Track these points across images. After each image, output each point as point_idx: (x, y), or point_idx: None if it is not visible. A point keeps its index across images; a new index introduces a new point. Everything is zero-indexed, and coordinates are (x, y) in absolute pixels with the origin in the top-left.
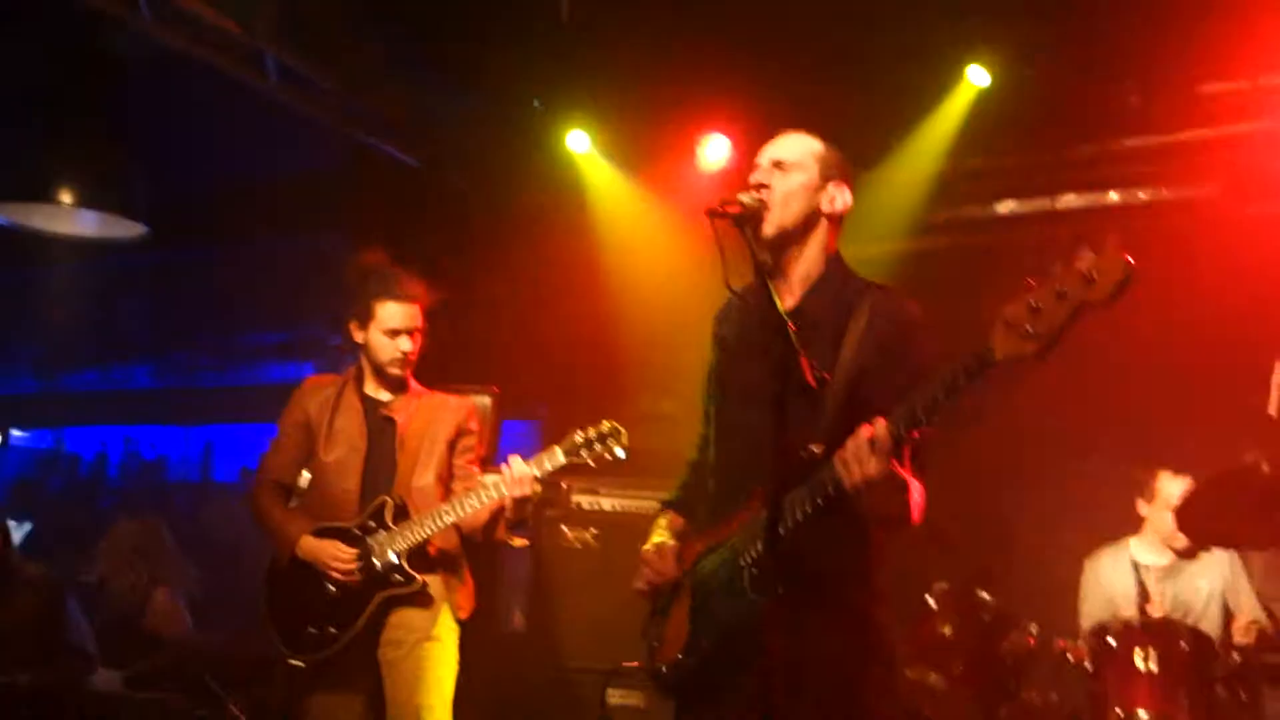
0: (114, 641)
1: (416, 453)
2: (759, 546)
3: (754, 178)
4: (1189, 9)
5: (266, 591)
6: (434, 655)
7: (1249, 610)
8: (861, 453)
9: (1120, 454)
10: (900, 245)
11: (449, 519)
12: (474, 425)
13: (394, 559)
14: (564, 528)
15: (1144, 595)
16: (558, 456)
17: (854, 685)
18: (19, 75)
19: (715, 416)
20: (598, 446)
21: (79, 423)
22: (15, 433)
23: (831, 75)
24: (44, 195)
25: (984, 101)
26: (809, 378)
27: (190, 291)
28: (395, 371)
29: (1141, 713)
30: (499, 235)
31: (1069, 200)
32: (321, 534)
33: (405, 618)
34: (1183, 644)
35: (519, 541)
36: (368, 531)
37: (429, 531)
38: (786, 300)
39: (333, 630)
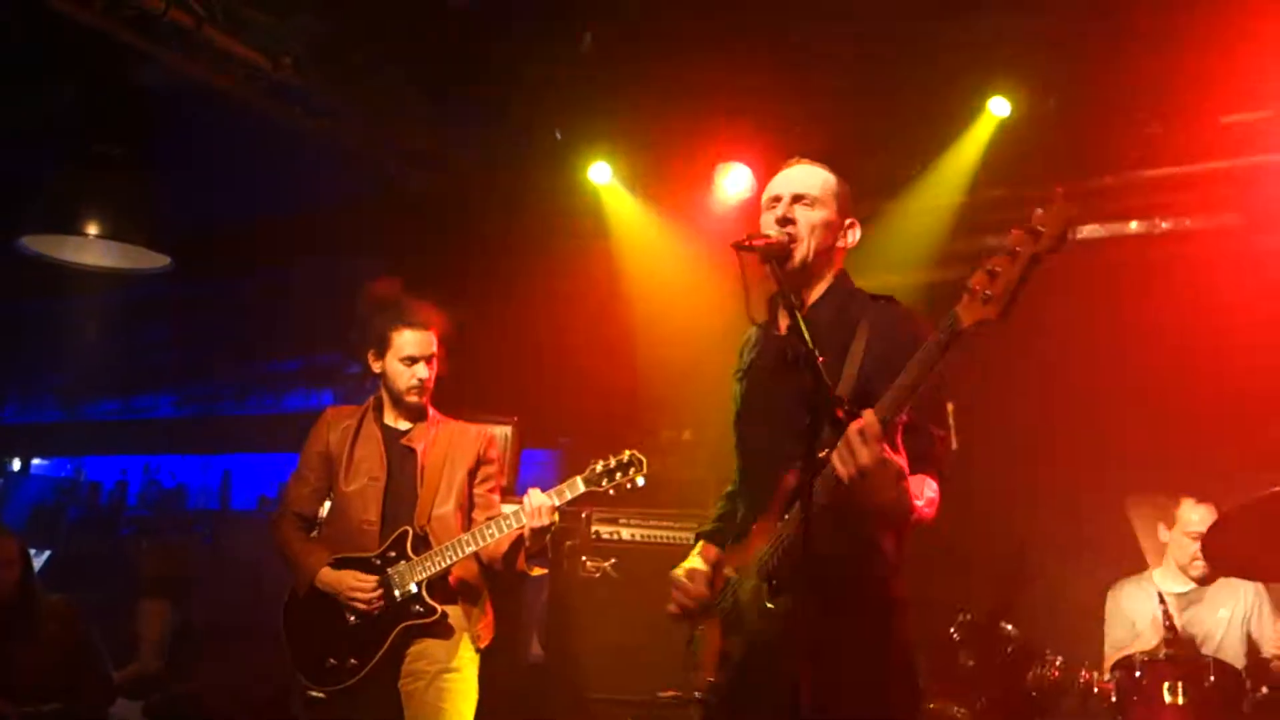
0: None
1: (437, 482)
2: (776, 559)
3: (779, 212)
4: (1209, 40)
5: (286, 622)
6: (454, 686)
7: (1273, 642)
8: (853, 443)
9: (1143, 484)
10: (922, 276)
11: (469, 549)
12: (494, 454)
13: (414, 589)
14: (584, 557)
15: (1170, 627)
16: (579, 486)
17: (876, 691)
18: (48, 109)
19: (740, 442)
20: (618, 476)
21: (99, 451)
22: (36, 461)
23: (853, 106)
24: (72, 228)
25: (1006, 132)
26: (839, 413)
27: (210, 322)
28: (413, 399)
29: None
30: (521, 265)
31: (1091, 230)
32: (341, 564)
33: (425, 648)
34: (1210, 676)
35: (538, 571)
36: (388, 562)
37: (449, 561)
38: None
39: (353, 661)
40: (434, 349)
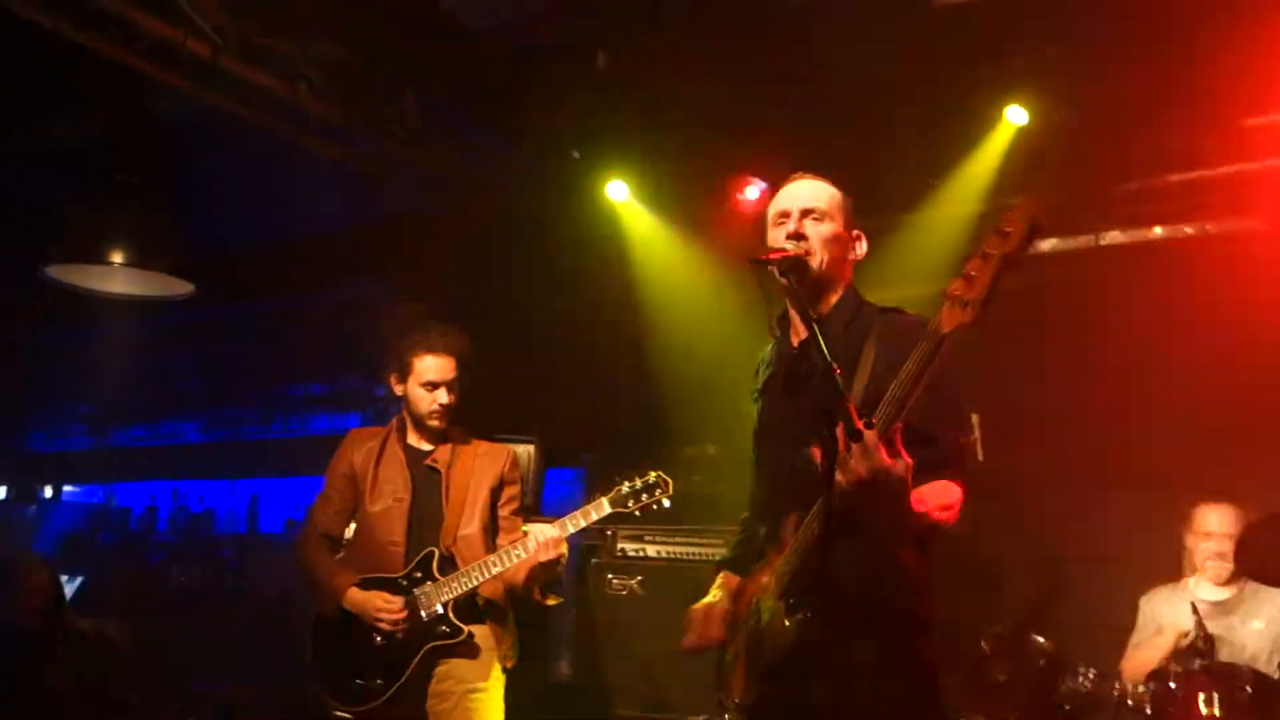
0: None
1: (461, 503)
2: (790, 576)
3: (790, 228)
4: (1228, 43)
5: (312, 643)
6: (481, 705)
7: None
8: (851, 454)
9: (1174, 489)
10: (942, 287)
11: (495, 570)
12: (516, 474)
13: (440, 610)
14: (610, 575)
15: (1205, 636)
16: (604, 507)
17: (897, 715)
18: (70, 140)
19: (758, 461)
20: (644, 497)
21: (129, 478)
22: (68, 488)
23: (869, 118)
24: (96, 256)
25: (1024, 140)
26: (857, 424)
27: (235, 347)
28: (434, 424)
29: None
30: (541, 284)
31: (1113, 237)
32: (368, 585)
33: (452, 668)
34: (1246, 688)
35: (553, 600)
36: (414, 583)
37: (475, 582)
38: (803, 333)
39: (379, 682)
40: (455, 374)
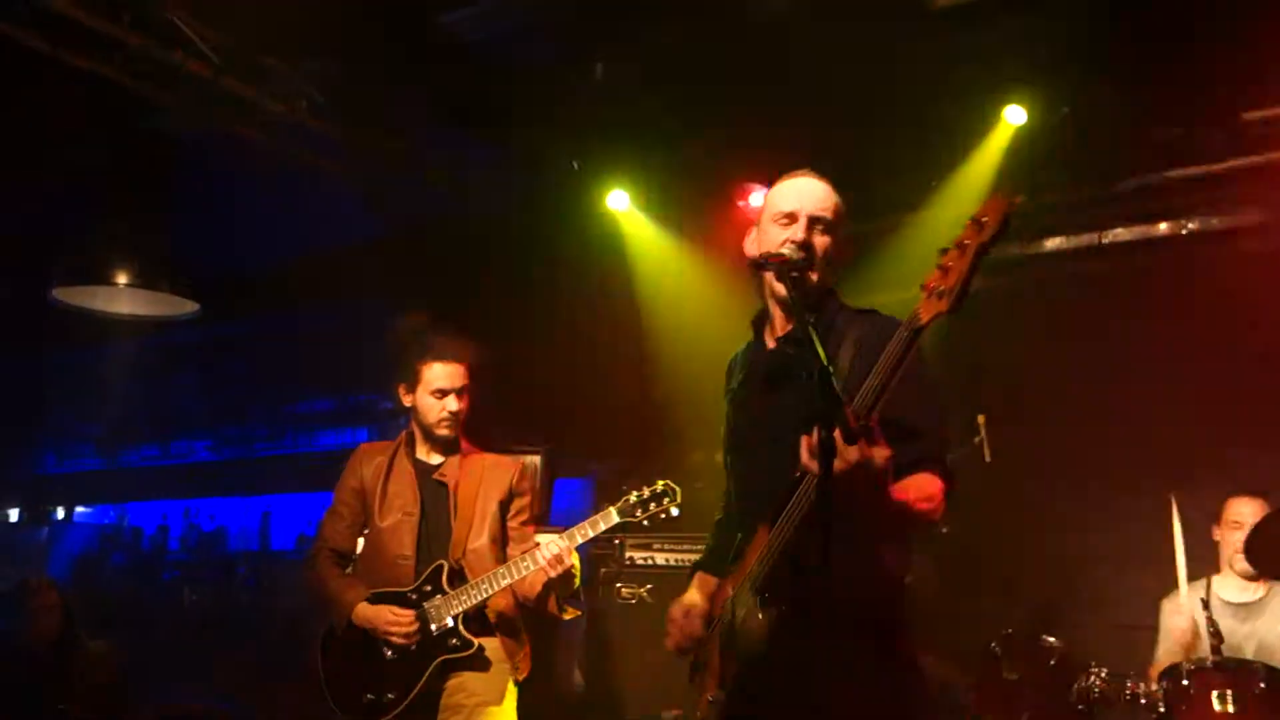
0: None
1: (470, 515)
2: (766, 572)
3: (798, 235)
4: (1227, 36)
5: (323, 658)
6: (493, 719)
7: None
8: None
9: (1189, 488)
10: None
11: (504, 581)
12: (525, 485)
13: (450, 623)
14: (619, 584)
15: (1217, 635)
16: (613, 517)
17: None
18: (72, 165)
19: (732, 464)
20: (652, 506)
21: (140, 498)
22: (79, 509)
23: (869, 122)
24: (101, 278)
25: (1023, 140)
26: (851, 423)
27: (241, 365)
28: (444, 432)
29: None
30: (544, 295)
31: (1117, 234)
32: (378, 600)
33: (463, 682)
34: (1260, 684)
35: (571, 613)
36: (424, 596)
37: (485, 595)
38: (779, 332)
39: (391, 696)
40: (464, 382)
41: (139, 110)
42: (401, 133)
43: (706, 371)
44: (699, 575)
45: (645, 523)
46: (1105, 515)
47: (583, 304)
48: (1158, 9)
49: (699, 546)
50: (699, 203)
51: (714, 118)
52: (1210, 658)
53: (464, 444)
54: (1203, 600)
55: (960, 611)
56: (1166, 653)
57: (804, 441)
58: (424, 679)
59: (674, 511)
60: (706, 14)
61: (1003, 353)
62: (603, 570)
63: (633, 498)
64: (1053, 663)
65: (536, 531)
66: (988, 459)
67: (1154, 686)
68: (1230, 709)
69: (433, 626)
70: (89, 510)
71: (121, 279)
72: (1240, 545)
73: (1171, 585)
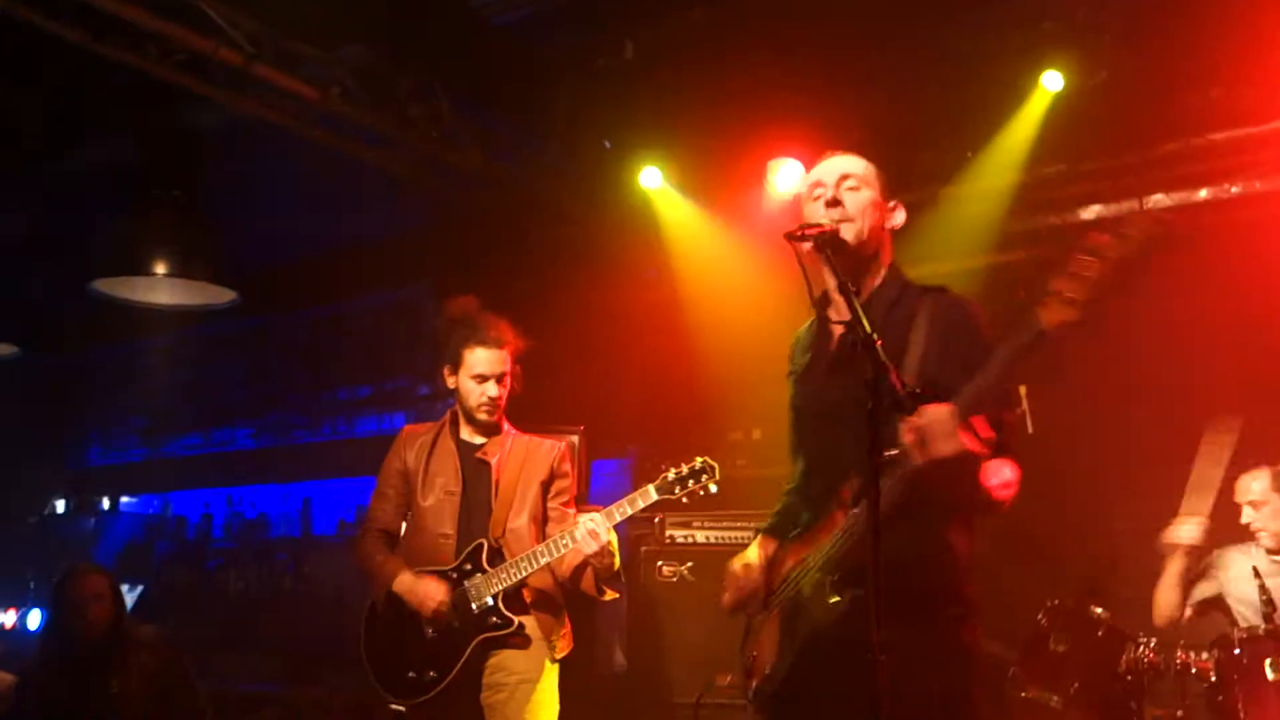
0: None
1: (511, 495)
2: (842, 553)
3: (827, 195)
4: None
5: (366, 637)
6: (536, 697)
7: None
8: (929, 433)
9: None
10: (982, 259)
11: (544, 559)
12: (567, 467)
13: (490, 601)
14: (659, 563)
15: (1269, 601)
16: (651, 494)
17: (940, 699)
18: (109, 155)
19: (802, 441)
20: (691, 483)
21: (184, 487)
22: (124, 499)
23: (905, 93)
24: (140, 268)
25: (1061, 107)
26: (899, 390)
27: (280, 353)
28: (484, 416)
29: None
30: (579, 276)
31: (1158, 200)
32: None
33: (505, 660)
34: None
35: (610, 595)
36: (464, 575)
37: (524, 573)
38: (845, 312)
39: (433, 674)
40: (506, 368)
41: (174, 100)
42: (433, 118)
43: (744, 349)
44: (763, 538)
45: (684, 500)
46: (1151, 484)
47: (618, 284)
48: None
49: (739, 525)
50: (732, 178)
51: (745, 94)
52: (1263, 625)
53: (507, 426)
54: (1255, 567)
55: (1005, 584)
56: (1200, 593)
57: (906, 426)
58: (464, 657)
59: (712, 488)
60: None
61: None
62: (643, 549)
63: (670, 475)
64: (1100, 634)
65: (577, 513)
66: (1029, 430)
67: (1190, 653)
68: None
69: (473, 605)
70: (134, 500)
71: (160, 269)
72: (1255, 520)
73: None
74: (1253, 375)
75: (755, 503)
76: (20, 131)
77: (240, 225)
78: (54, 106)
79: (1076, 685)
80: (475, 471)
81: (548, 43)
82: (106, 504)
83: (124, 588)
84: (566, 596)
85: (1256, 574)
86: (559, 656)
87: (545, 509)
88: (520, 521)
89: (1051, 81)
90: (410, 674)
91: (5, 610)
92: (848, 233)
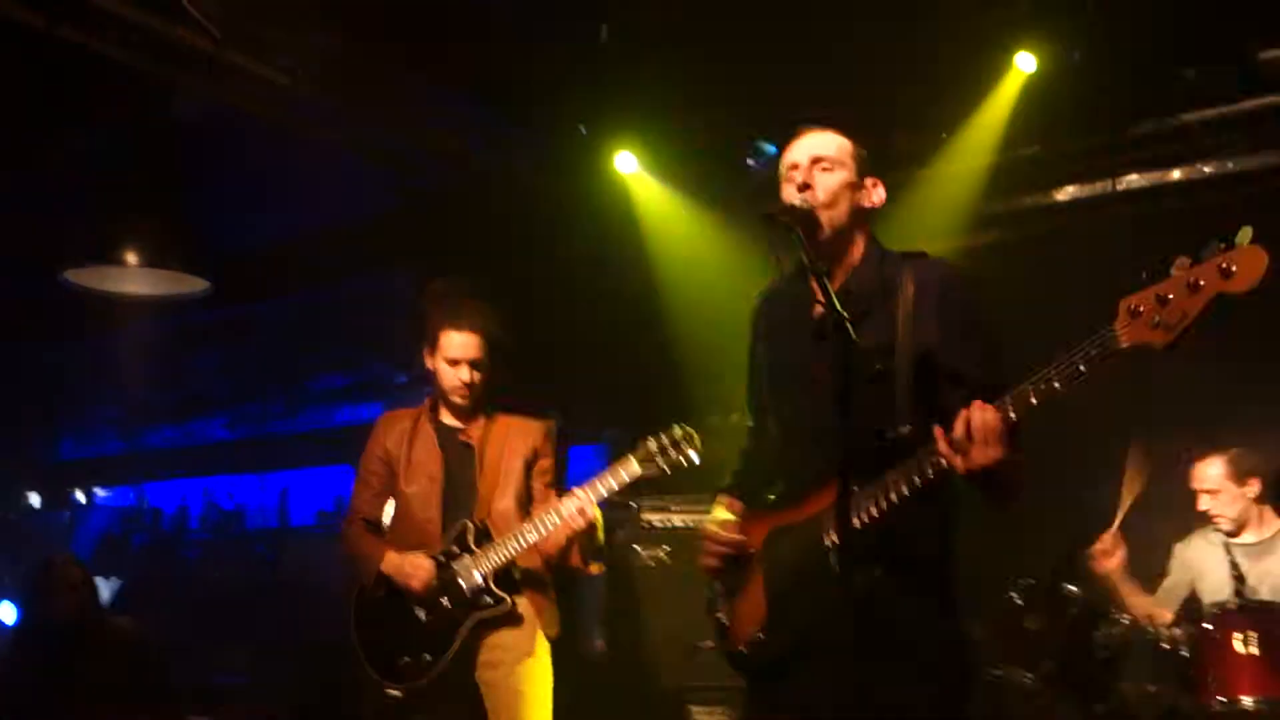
0: None
1: (496, 474)
2: (846, 528)
3: (797, 176)
4: None
5: (356, 623)
6: (533, 672)
7: None
8: (980, 437)
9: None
10: (958, 242)
11: (531, 538)
12: (549, 447)
13: (480, 580)
14: (636, 547)
15: (1239, 577)
16: (633, 466)
17: (938, 665)
18: (79, 143)
19: (775, 407)
20: (672, 453)
21: (159, 478)
22: (99, 492)
23: (877, 74)
24: (110, 258)
25: (1034, 88)
26: (868, 371)
27: (254, 342)
28: (458, 400)
29: (1245, 699)
30: (554, 261)
31: (1131, 180)
32: None
33: (501, 638)
34: None
35: (596, 568)
36: (452, 557)
37: (512, 552)
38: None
39: (428, 657)
40: (479, 353)
41: (143, 88)
42: (405, 100)
43: (719, 334)
44: (726, 498)
45: (668, 470)
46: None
47: (593, 269)
48: None
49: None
50: (707, 162)
51: (719, 77)
52: (1234, 600)
53: (488, 408)
54: (1226, 545)
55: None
56: (1167, 590)
57: (945, 433)
58: (459, 638)
59: (694, 456)
60: None
61: (1015, 304)
62: (619, 534)
63: (651, 445)
64: (1074, 611)
65: (558, 495)
66: None
67: (1163, 628)
68: (1255, 651)
69: (463, 585)
70: (109, 493)
71: (131, 259)
72: (1209, 507)
73: (1187, 532)
74: (1226, 352)
75: None
76: None
77: (214, 214)
78: (21, 96)
79: (1051, 664)
80: (458, 455)
81: (523, 28)
82: (81, 496)
83: (101, 581)
84: (554, 576)
85: (1227, 550)
86: (551, 635)
87: (530, 489)
88: (506, 502)
89: (1025, 63)
90: (405, 658)
91: None
92: (821, 216)
